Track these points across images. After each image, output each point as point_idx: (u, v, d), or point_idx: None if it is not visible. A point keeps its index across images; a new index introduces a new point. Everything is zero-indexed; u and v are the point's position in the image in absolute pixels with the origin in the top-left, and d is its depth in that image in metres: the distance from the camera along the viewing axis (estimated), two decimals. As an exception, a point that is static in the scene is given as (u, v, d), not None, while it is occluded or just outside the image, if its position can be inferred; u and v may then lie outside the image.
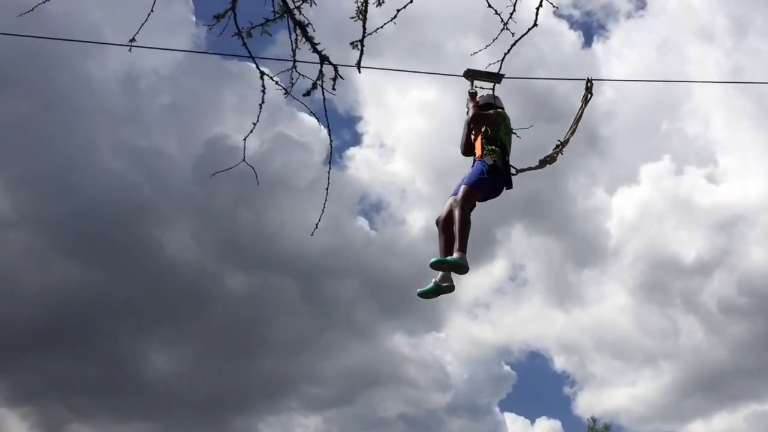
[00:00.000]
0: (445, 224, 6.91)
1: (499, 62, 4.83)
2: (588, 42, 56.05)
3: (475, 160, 7.24)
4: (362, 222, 44.66)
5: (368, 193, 49.13)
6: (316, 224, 5.34)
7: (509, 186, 7.21)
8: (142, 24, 4.77)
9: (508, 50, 4.74)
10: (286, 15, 4.58)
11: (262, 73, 4.87)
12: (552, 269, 44.49)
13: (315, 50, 4.50)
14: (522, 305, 47.70)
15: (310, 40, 4.48)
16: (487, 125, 7.31)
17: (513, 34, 4.62)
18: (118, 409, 36.85)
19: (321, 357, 39.85)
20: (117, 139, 36.29)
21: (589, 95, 7.48)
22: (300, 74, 4.82)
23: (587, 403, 44.58)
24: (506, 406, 51.46)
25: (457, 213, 6.78)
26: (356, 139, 46.61)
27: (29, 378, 36.10)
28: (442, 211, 6.99)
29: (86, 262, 36.22)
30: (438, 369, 43.26)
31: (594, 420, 31.30)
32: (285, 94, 4.91)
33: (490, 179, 7.05)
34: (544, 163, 7.45)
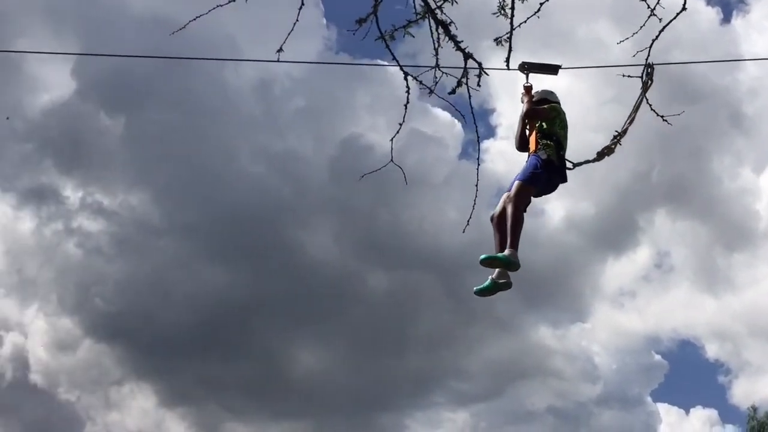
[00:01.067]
0: (499, 221, 6.88)
1: (647, 49, 4.72)
2: (727, 18, 54.04)
3: (529, 155, 7.18)
4: (501, 214, 44.09)
5: (504, 185, 48.43)
6: (468, 220, 5.41)
7: (564, 179, 7.13)
8: (288, 33, 4.92)
9: (656, 36, 4.61)
10: (428, 15, 4.62)
11: (406, 74, 4.92)
12: (699, 254, 43.00)
13: (459, 48, 4.52)
14: (669, 292, 46.33)
15: (453, 38, 4.50)
16: (542, 120, 7.23)
17: (660, 19, 4.52)
18: (270, 408, 37.88)
19: (466, 352, 39.82)
20: (254, 144, 37.20)
21: (650, 81, 7.22)
22: (444, 73, 4.86)
23: (744, 392, 43.06)
24: (659, 396, 50.22)
25: (509, 210, 6.73)
26: (490, 132, 46.20)
27: (185, 380, 37.51)
28: (497, 207, 6.95)
29: (232, 265, 37.30)
30: (585, 360, 42.55)
31: (754, 409, 30.00)
32: (429, 93, 4.95)
33: (544, 174, 6.96)
34: (602, 155, 7.25)
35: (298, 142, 38.34)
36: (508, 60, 4.51)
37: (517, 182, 6.88)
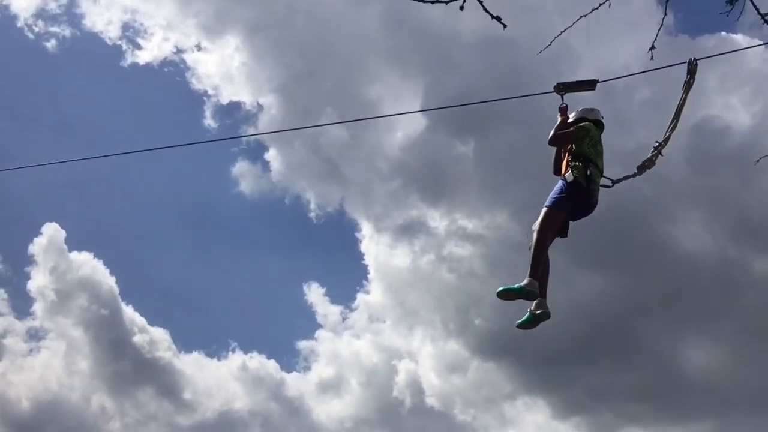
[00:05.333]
0: None
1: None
2: None
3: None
4: None
5: None
6: None
7: (589, 202, 6.77)
8: (657, 32, 4.80)
9: None
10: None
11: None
12: None
13: None
14: None
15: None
16: (570, 142, 6.96)
17: None
18: (667, 411, 36.70)
19: None
20: (606, 144, 36.57)
21: (692, 80, 6.22)
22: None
23: None
24: None
25: (533, 236, 6.59)
26: None
27: (575, 389, 37.48)
28: None
29: (607, 271, 36.74)
30: None
31: None
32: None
33: (570, 197, 6.70)
34: (643, 168, 6.93)
35: (647, 134, 37.16)
36: None
37: (543, 209, 6.74)
